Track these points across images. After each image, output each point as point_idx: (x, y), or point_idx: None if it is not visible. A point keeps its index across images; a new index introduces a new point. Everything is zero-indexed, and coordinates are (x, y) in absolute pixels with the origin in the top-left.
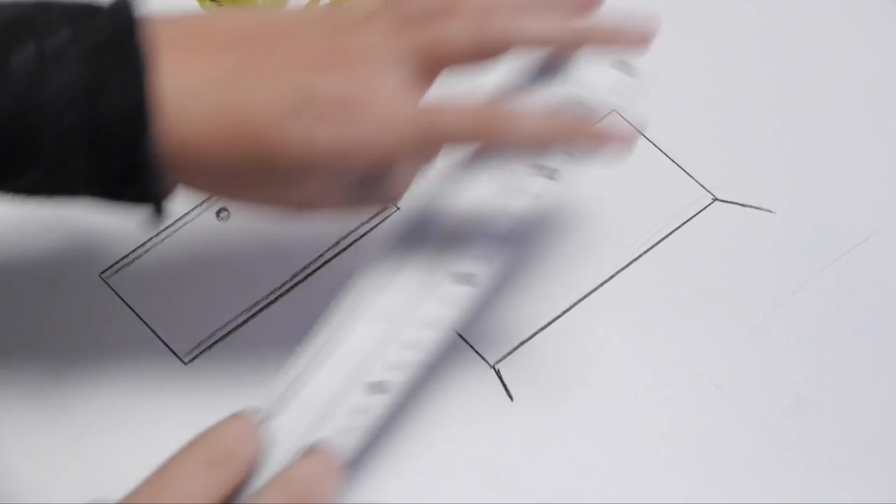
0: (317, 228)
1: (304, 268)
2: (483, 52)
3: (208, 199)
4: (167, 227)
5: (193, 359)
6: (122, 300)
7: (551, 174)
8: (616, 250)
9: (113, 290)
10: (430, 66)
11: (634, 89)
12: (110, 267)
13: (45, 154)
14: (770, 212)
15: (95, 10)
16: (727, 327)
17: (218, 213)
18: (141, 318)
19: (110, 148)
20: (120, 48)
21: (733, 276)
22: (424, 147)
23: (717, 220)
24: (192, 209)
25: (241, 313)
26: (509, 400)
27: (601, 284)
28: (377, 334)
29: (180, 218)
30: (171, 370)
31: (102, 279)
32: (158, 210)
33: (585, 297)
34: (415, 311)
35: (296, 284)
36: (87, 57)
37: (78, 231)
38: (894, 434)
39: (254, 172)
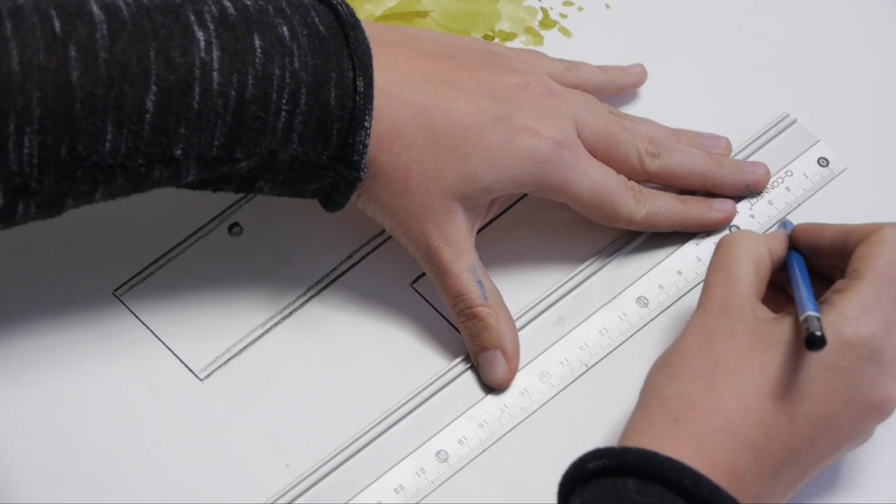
0: (329, 242)
1: (318, 282)
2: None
3: (228, 211)
4: (180, 244)
5: (209, 375)
6: (136, 317)
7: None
8: None
9: (126, 306)
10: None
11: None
12: (124, 284)
13: (276, 135)
14: None
15: (314, 4)
16: None
17: (230, 229)
18: (155, 335)
19: (332, 131)
20: (345, 40)
21: None
22: (552, 195)
23: None
24: (205, 225)
25: (256, 328)
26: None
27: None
28: None
29: (193, 234)
30: (186, 387)
31: (116, 296)
32: (336, 203)
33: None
34: None
35: (309, 299)
36: (315, 45)
37: (91, 248)
38: None
39: (439, 149)
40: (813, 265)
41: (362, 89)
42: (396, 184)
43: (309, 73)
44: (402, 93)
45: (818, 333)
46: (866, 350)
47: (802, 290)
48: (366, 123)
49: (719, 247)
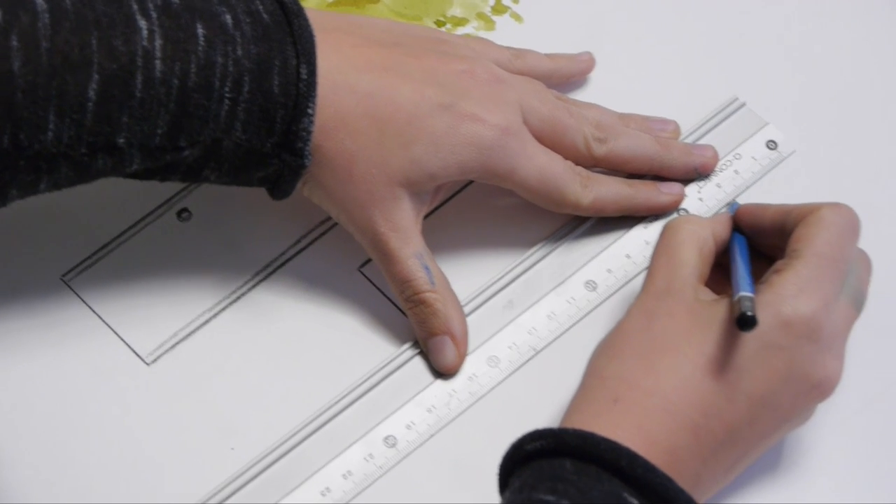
0: (277, 228)
1: (266, 267)
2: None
3: (177, 196)
4: (129, 229)
5: (156, 360)
6: (84, 302)
7: None
8: None
9: (75, 292)
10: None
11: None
12: (72, 269)
13: (220, 123)
14: None
15: None
16: None
17: (179, 214)
18: (103, 320)
19: (276, 119)
20: (289, 27)
21: None
22: (499, 182)
23: None
24: (154, 210)
25: (203, 313)
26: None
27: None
28: None
29: (142, 219)
30: (133, 371)
31: (64, 282)
32: (282, 191)
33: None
34: None
35: (257, 284)
36: (258, 33)
37: (39, 234)
38: None
39: (384, 136)
40: (756, 246)
41: (305, 76)
42: (341, 171)
43: (252, 61)
44: (346, 80)
45: (749, 314)
46: (805, 328)
47: (740, 270)
48: (309, 111)
49: (664, 231)
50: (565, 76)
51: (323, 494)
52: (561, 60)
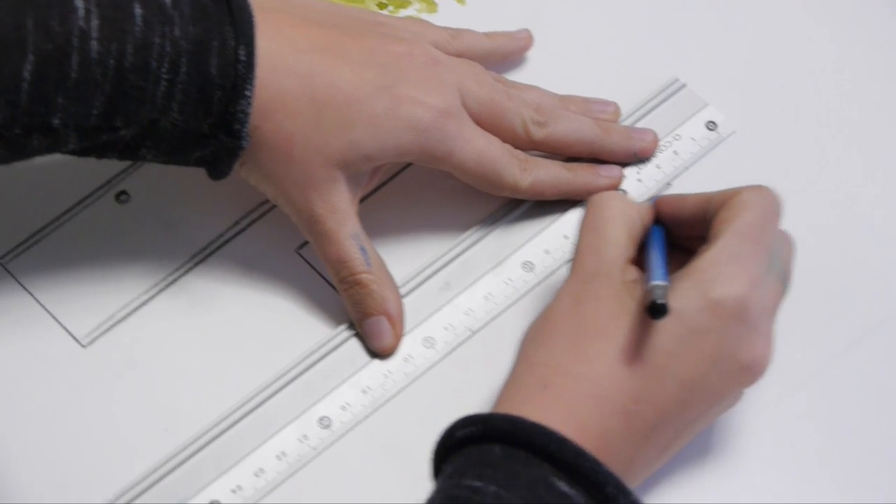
0: (216, 210)
1: (203, 249)
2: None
3: (116, 178)
4: (67, 212)
5: (92, 342)
6: (21, 285)
7: None
8: None
9: (11, 274)
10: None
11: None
12: (9, 252)
13: (156, 104)
14: None
15: None
16: None
17: (118, 197)
18: (39, 302)
19: (213, 100)
20: (228, 7)
21: None
22: (436, 164)
23: None
24: (92, 193)
25: (140, 295)
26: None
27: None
28: None
29: (80, 202)
30: (69, 353)
31: (1, 264)
32: (220, 171)
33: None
34: None
35: (195, 266)
36: (197, 14)
37: None
38: None
39: (322, 117)
40: (676, 239)
41: (244, 58)
42: (279, 152)
43: (190, 42)
44: (285, 61)
45: (659, 301)
46: (733, 309)
47: (654, 259)
48: (247, 93)
49: (590, 207)
50: (504, 54)
51: (256, 475)
52: (499, 39)
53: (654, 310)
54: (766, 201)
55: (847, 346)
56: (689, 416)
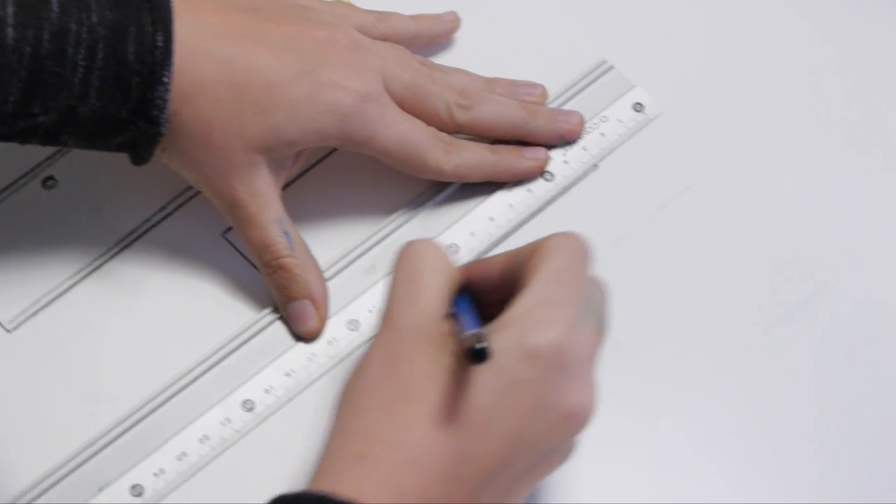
0: (142, 195)
1: (129, 234)
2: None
3: (43, 164)
4: None
5: (17, 326)
6: None
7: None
8: None
9: None
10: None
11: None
12: None
13: (74, 90)
14: None
15: None
16: None
17: (44, 182)
18: None
19: (131, 86)
20: None
21: None
22: (359, 148)
23: None
24: (19, 178)
25: (65, 280)
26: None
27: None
28: None
29: (6, 188)
30: None
31: None
32: (141, 157)
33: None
34: None
35: (121, 251)
36: (114, 0)
37: None
38: None
39: (242, 103)
40: (487, 307)
41: (161, 44)
42: (199, 138)
43: (106, 28)
44: (204, 46)
45: (479, 346)
46: (550, 357)
47: (464, 317)
48: (164, 79)
49: (403, 256)
50: (429, 37)
51: (179, 459)
52: (425, 21)
53: (475, 355)
54: (573, 245)
55: (770, 325)
56: (515, 472)
